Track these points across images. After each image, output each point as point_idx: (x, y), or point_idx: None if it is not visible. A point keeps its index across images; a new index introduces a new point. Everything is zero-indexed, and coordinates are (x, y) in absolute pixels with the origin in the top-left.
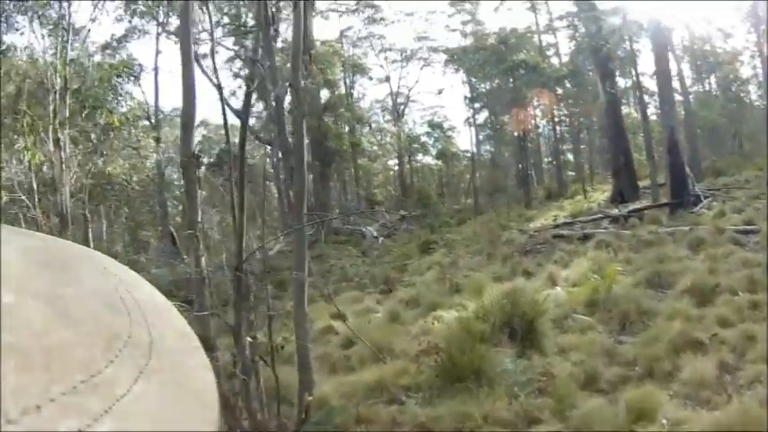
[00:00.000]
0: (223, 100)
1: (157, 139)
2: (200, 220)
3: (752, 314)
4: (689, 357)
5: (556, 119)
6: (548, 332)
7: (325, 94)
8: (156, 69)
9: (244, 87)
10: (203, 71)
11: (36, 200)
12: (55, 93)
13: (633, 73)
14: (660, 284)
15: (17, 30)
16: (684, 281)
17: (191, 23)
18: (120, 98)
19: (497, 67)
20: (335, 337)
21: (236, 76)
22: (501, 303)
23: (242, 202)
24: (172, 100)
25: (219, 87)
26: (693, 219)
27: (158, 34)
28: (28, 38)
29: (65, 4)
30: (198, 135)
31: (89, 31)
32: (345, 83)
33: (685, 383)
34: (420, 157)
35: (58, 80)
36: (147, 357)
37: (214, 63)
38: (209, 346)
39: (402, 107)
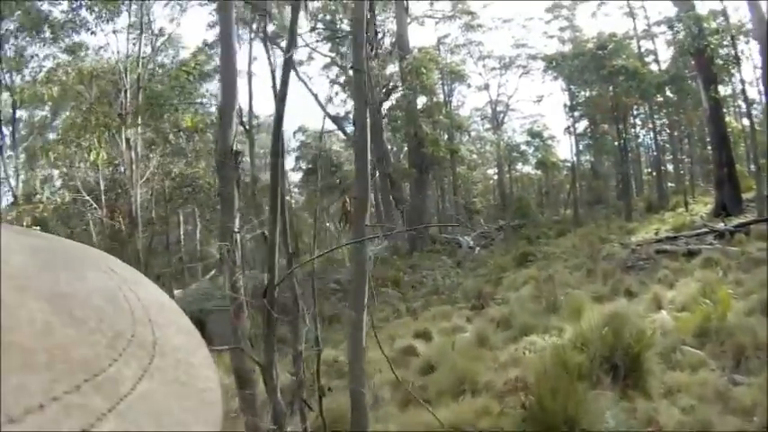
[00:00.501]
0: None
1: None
2: (237, 229)
3: None
4: None
5: (657, 128)
6: (654, 368)
7: (423, 102)
8: (249, 75)
9: (341, 94)
10: (299, 77)
11: (102, 200)
12: (125, 92)
13: (737, 78)
14: None
15: (89, 30)
16: None
17: (231, 13)
18: (188, 97)
19: (596, 73)
20: (416, 360)
21: (333, 82)
22: (602, 332)
23: (275, 215)
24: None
25: (314, 95)
26: None
27: (251, 40)
28: (100, 39)
29: (143, 5)
30: (296, 141)
31: (170, 33)
32: (444, 90)
33: None
34: (519, 166)
35: (129, 78)
36: (150, 356)
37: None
38: (244, 382)
39: (501, 115)
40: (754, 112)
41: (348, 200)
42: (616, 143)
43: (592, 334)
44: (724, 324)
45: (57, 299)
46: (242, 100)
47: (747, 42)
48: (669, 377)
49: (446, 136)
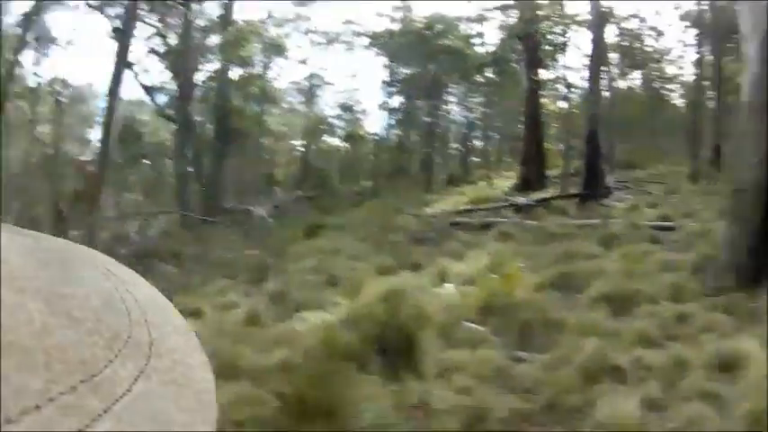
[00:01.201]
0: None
1: None
2: None
3: (679, 330)
4: (604, 388)
5: (472, 106)
6: (430, 347)
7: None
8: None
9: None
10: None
11: None
12: None
13: (560, 63)
14: (569, 287)
15: None
16: (598, 285)
17: None
18: None
19: (421, 51)
20: None
21: (152, 51)
22: (375, 308)
23: None
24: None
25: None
26: (604, 212)
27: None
28: None
29: None
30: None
31: None
32: (264, 62)
33: (599, 425)
34: (327, 138)
35: None
36: (147, 357)
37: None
38: None
39: (316, 89)
40: (572, 96)
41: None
42: (425, 119)
43: (366, 310)
44: (511, 299)
45: (55, 300)
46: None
47: (576, 31)
48: (447, 356)
49: (259, 108)
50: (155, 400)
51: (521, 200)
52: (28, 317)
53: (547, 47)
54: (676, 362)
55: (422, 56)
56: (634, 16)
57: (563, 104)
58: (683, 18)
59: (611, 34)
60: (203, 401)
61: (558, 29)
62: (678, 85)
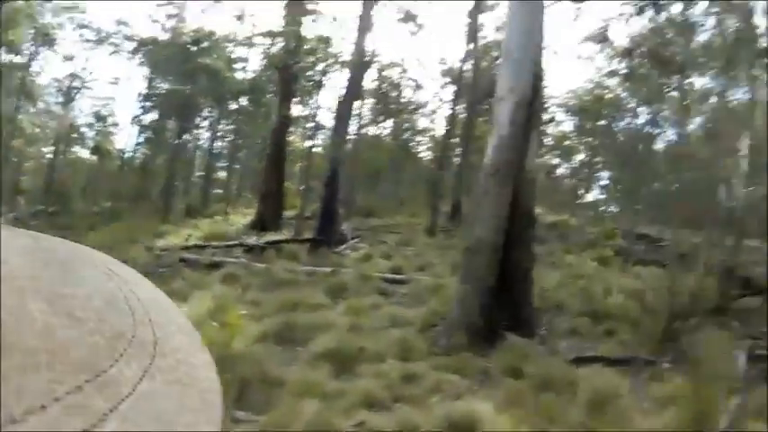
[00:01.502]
0: None
1: None
2: None
3: (407, 390)
4: None
5: (220, 133)
6: None
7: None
8: None
9: None
10: None
11: None
12: None
13: (313, 101)
14: (292, 340)
15: None
16: (322, 339)
17: None
18: None
19: (182, 66)
20: None
21: None
22: None
23: None
24: None
25: None
26: (336, 259)
27: None
28: None
29: None
30: None
31: None
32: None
33: None
34: (77, 148)
35: None
36: (151, 357)
37: None
38: None
39: (75, 91)
40: (320, 136)
41: None
42: (174, 141)
43: None
44: (230, 351)
45: (57, 300)
46: None
47: (338, 71)
48: None
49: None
50: (159, 399)
51: (252, 240)
52: (29, 317)
53: (304, 83)
54: (404, 425)
55: (181, 72)
56: (396, 65)
57: (309, 143)
58: (444, 74)
59: (369, 79)
60: (207, 401)
61: (319, 66)
62: (427, 139)
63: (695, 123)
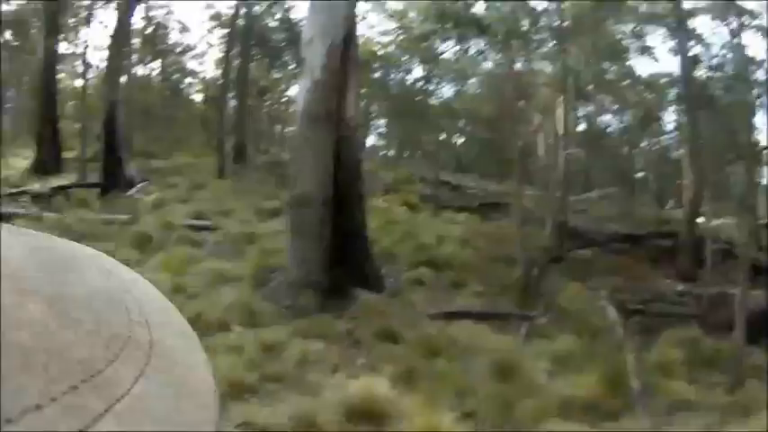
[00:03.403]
0: None
1: None
2: None
3: (272, 367)
4: None
5: None
6: None
7: None
8: None
9: None
10: None
11: None
12: None
13: (81, 39)
14: None
15: None
16: None
17: None
18: None
19: None
20: None
21: None
22: None
23: None
24: None
25: None
26: (130, 205)
27: None
28: None
29: None
30: None
31: None
32: None
33: None
34: None
35: None
36: (147, 357)
37: None
38: None
39: None
40: (90, 76)
41: None
42: None
43: None
44: None
45: (55, 300)
46: None
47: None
48: None
49: None
50: (155, 400)
51: (37, 187)
52: (28, 317)
53: (70, 19)
54: (296, 418)
55: None
56: (163, 7)
57: (80, 82)
58: (212, 18)
59: (137, 19)
60: (203, 402)
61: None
62: (197, 81)
63: (470, 84)
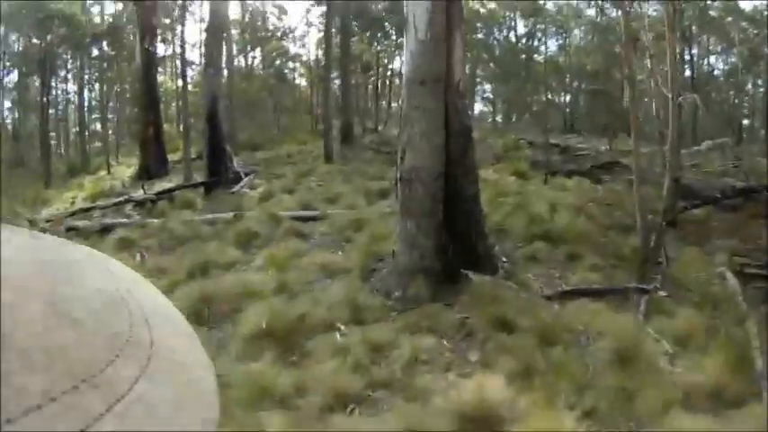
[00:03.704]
0: None
1: None
2: None
3: (379, 372)
4: None
5: (87, 83)
6: None
7: None
8: None
9: None
10: None
11: None
12: None
13: (177, 37)
14: (212, 316)
15: None
16: (251, 311)
17: None
18: None
19: (33, 16)
20: None
21: None
22: None
23: None
24: None
25: None
26: (236, 201)
27: None
28: None
29: None
30: None
31: None
32: None
33: None
34: None
35: None
36: (147, 357)
37: None
38: None
39: None
40: (190, 73)
41: None
42: (40, 99)
43: None
44: None
45: (55, 300)
46: None
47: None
48: None
49: None
50: (156, 400)
51: (140, 193)
52: (28, 317)
53: (165, 19)
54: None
55: (33, 21)
56: None
57: (180, 82)
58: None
59: (233, 9)
60: (204, 402)
61: None
62: (298, 65)
63: (574, 36)
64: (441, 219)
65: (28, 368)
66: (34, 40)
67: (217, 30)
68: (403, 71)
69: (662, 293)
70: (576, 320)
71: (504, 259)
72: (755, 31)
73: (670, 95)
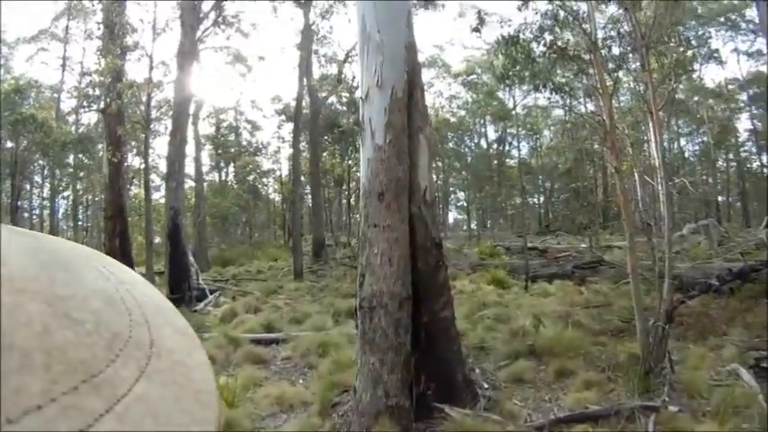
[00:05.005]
0: None
1: None
2: None
3: None
4: None
5: (56, 189)
6: None
7: None
8: None
9: None
10: None
11: None
12: None
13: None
14: None
15: None
16: None
17: None
18: None
19: (4, 117)
20: None
21: None
22: None
23: None
24: None
25: None
26: (197, 320)
27: None
28: None
29: None
30: None
31: None
32: None
33: None
34: None
35: None
36: (147, 357)
37: None
38: None
39: None
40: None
41: None
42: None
43: None
44: None
45: (55, 300)
46: None
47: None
48: None
49: None
50: (155, 400)
51: None
52: (28, 317)
53: (129, 124)
54: None
55: (6, 123)
56: (232, 109)
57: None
58: (280, 112)
59: (205, 128)
60: (204, 402)
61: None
62: (272, 180)
63: (544, 136)
64: (409, 349)
65: (28, 369)
66: (9, 144)
67: (180, 141)
68: (361, 180)
69: (672, 408)
70: None
71: (486, 385)
72: (723, 106)
73: (660, 183)
